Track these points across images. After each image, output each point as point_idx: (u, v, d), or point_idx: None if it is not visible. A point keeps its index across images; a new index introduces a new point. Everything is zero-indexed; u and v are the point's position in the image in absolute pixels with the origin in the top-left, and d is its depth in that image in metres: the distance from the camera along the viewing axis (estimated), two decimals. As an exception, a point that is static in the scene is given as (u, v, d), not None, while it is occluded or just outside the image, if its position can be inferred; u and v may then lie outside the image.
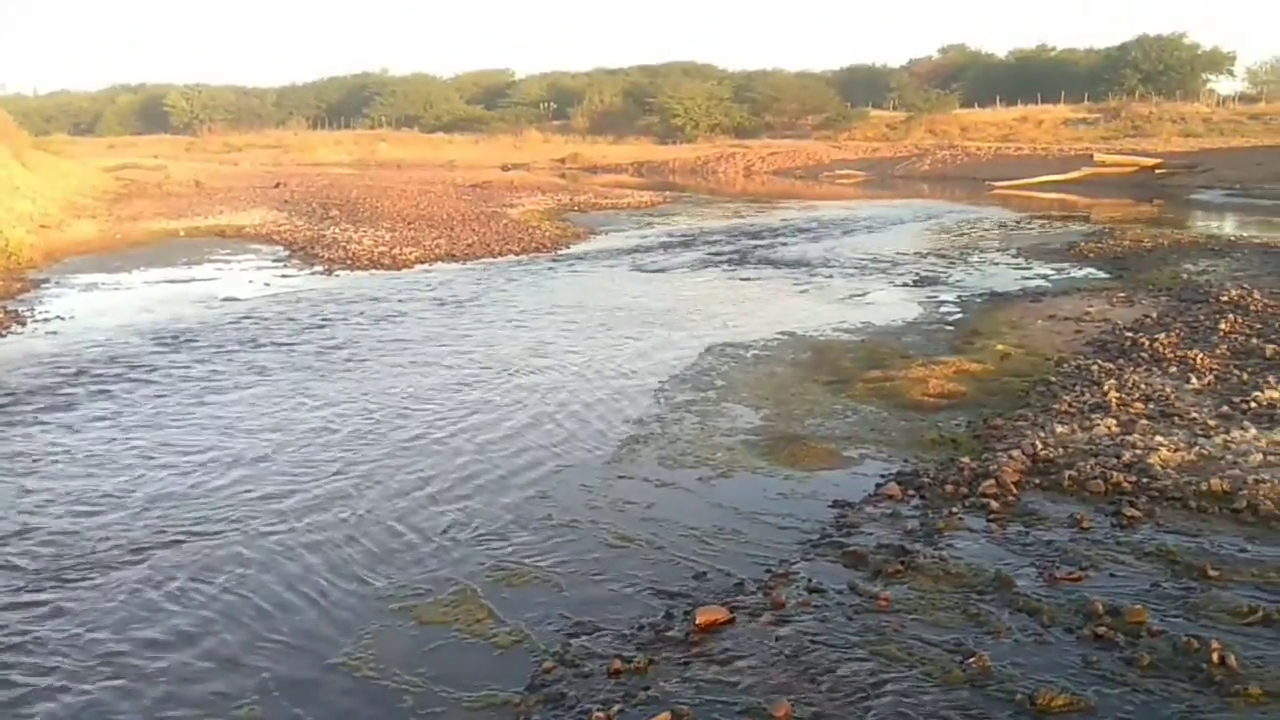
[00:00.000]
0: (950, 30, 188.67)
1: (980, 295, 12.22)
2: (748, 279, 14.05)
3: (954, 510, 5.22)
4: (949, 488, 5.52)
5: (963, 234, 19.60)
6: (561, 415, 7.34)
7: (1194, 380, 7.46)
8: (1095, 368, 7.95)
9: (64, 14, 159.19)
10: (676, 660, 3.88)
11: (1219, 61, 55.50)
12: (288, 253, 17.10)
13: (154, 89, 78.84)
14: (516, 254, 16.63)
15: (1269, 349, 8.25)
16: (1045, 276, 13.72)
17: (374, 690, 3.79)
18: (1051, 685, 3.57)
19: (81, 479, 6.02)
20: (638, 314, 11.33)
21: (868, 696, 3.58)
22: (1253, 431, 6.16)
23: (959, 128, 49.92)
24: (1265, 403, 6.74)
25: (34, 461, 6.36)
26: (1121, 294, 11.67)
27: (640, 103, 61.03)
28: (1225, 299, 10.51)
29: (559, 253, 17.04)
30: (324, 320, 11.01)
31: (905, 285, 13.22)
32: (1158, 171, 32.79)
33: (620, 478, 6.02)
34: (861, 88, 61.34)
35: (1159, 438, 6.11)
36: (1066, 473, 5.62)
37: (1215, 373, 7.68)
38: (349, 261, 15.50)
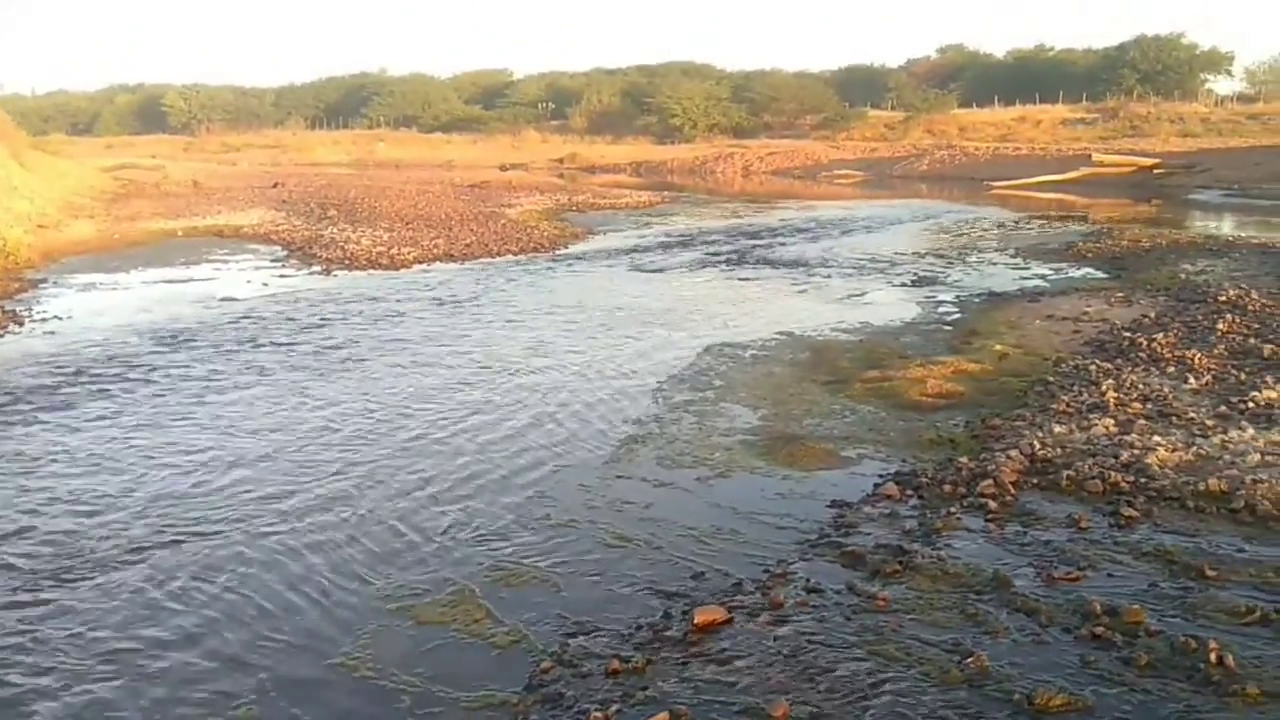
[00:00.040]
0: (948, 30, 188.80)
1: (978, 295, 12.22)
2: (746, 279, 14.05)
3: (952, 510, 5.23)
4: (947, 488, 5.53)
5: (961, 234, 19.60)
6: (560, 415, 7.34)
7: (1192, 380, 7.47)
8: (1093, 368, 7.96)
9: (62, 14, 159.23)
10: (674, 660, 3.88)
11: (1217, 61, 55.53)
12: (286, 253, 17.09)
13: (152, 89, 78.81)
14: (515, 254, 16.63)
15: (1267, 349, 8.26)
16: (1043, 276, 13.73)
17: (373, 690, 3.80)
18: (1049, 685, 3.58)
19: (81, 479, 6.02)
20: (636, 314, 11.33)
21: (866, 696, 3.59)
22: (1250, 431, 6.17)
23: (957, 128, 49.92)
24: (1263, 403, 6.75)
25: (33, 461, 6.36)
26: (1119, 294, 11.67)
27: (638, 103, 61.01)
28: (1223, 299, 10.52)
29: (557, 253, 17.04)
30: (322, 320, 11.01)
31: (903, 285, 13.23)
32: (1156, 171, 32.81)
33: (619, 478, 6.03)
34: (860, 88, 61.34)
35: (1157, 438, 6.11)
36: (1064, 473, 5.63)
37: (1213, 373, 7.68)
38: (347, 261, 15.50)
